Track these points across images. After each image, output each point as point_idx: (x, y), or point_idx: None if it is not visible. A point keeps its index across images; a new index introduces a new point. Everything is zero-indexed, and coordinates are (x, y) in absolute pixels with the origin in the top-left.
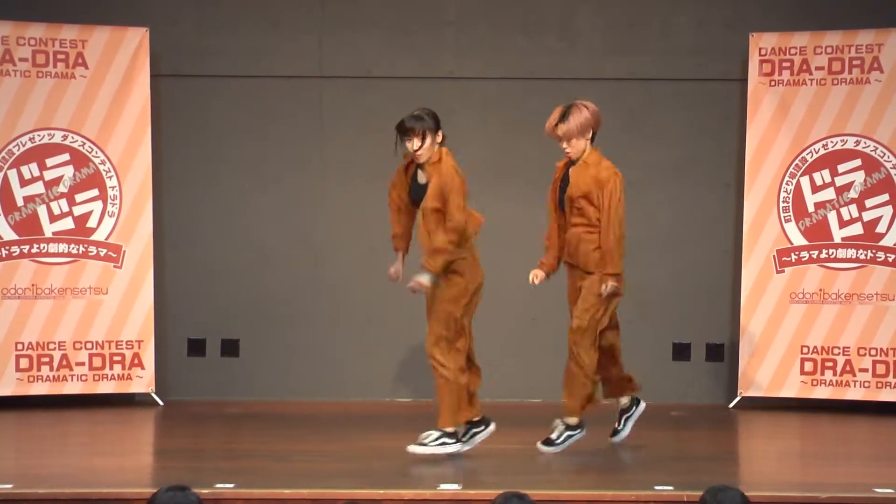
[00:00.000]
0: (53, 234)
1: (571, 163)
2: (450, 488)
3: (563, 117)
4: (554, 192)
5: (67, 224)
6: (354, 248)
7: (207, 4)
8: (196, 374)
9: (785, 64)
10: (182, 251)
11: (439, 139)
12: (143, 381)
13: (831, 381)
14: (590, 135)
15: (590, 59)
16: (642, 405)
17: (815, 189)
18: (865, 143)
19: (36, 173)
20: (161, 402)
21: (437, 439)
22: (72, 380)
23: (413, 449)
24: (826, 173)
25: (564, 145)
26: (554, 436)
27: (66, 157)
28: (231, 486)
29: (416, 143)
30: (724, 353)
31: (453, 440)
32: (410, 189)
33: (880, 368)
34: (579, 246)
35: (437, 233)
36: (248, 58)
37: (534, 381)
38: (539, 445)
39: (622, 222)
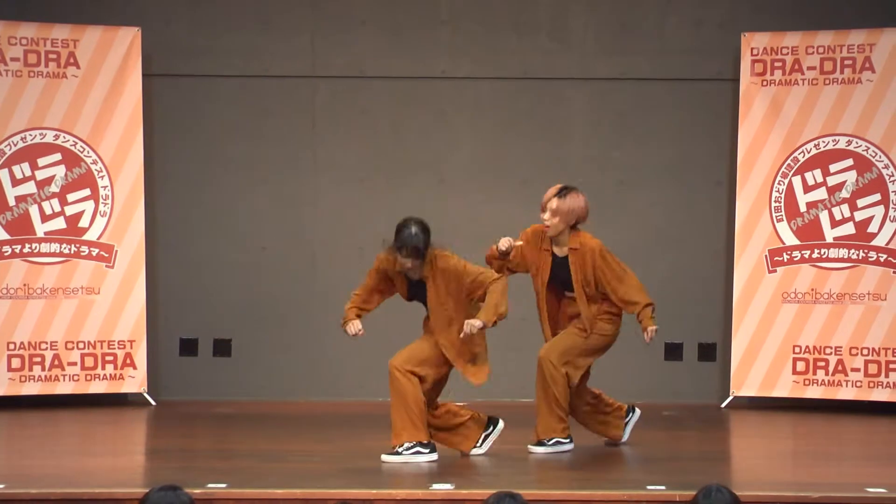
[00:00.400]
0: (45, 233)
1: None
2: (442, 488)
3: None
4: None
5: (59, 224)
6: (347, 248)
7: (199, 4)
8: (188, 373)
9: (777, 64)
10: (174, 251)
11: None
12: (135, 381)
13: (823, 380)
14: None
15: (582, 59)
16: (638, 412)
17: (807, 189)
18: (857, 142)
19: (28, 173)
20: (153, 402)
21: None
22: (64, 380)
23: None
24: (818, 173)
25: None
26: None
27: (57, 156)
28: (223, 485)
29: (415, 262)
30: (716, 353)
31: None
32: (409, 287)
33: (872, 368)
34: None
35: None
36: (241, 57)
37: (525, 380)
38: (529, 446)
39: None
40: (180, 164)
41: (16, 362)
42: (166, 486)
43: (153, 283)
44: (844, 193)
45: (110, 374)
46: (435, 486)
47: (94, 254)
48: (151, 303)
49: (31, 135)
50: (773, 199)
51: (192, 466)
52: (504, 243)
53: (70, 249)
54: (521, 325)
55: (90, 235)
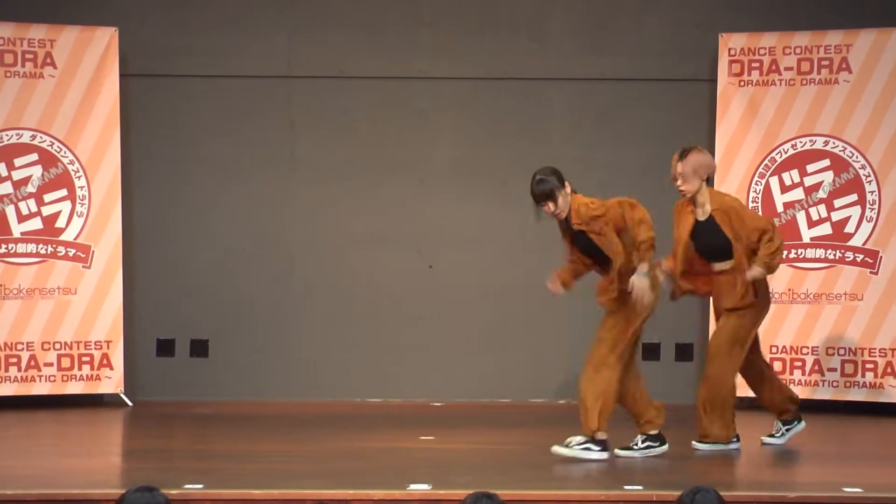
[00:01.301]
0: (22, 234)
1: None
2: (420, 488)
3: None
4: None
5: (36, 224)
6: (325, 248)
7: (177, 4)
8: (165, 374)
9: (754, 64)
10: (151, 251)
11: (568, 189)
12: (111, 382)
13: (800, 380)
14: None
15: (561, 60)
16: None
17: (784, 189)
18: (834, 143)
19: (4, 173)
20: (130, 403)
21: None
22: (40, 380)
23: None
24: (795, 173)
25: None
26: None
27: (34, 156)
28: (200, 486)
29: (551, 206)
30: (692, 353)
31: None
32: (574, 239)
33: (849, 368)
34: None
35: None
36: (218, 58)
37: (504, 381)
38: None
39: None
40: (158, 165)
41: None
42: (143, 487)
43: (130, 284)
44: (821, 194)
45: (87, 375)
46: (412, 486)
47: (70, 254)
48: (128, 303)
49: (7, 135)
50: (750, 199)
51: (168, 467)
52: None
53: (47, 250)
54: (499, 325)
55: (67, 236)
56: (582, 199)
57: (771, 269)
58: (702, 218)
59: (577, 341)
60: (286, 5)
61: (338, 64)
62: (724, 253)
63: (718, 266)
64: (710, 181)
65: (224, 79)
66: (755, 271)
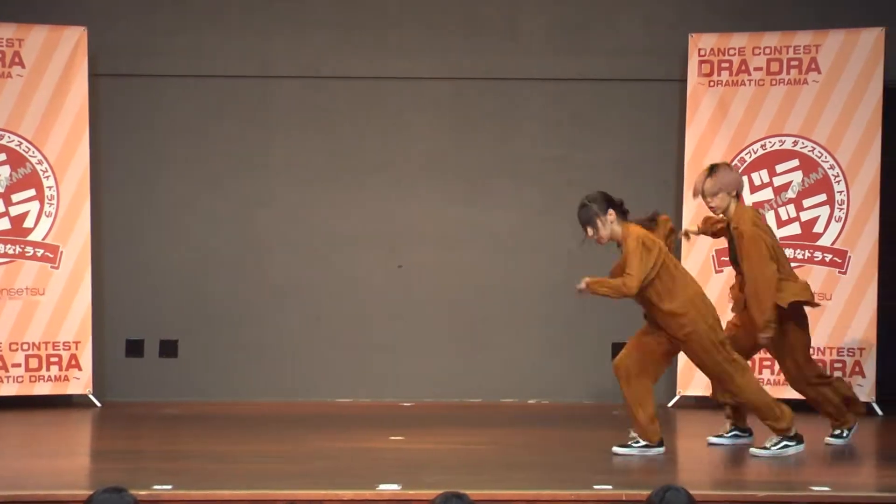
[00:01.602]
0: None
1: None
2: (389, 488)
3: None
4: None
5: (4, 224)
6: (298, 249)
7: (148, 3)
8: (134, 375)
9: (724, 64)
10: (121, 251)
11: (612, 217)
12: (80, 383)
13: (769, 379)
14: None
15: (536, 60)
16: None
17: (754, 189)
18: (803, 143)
19: None
20: (98, 404)
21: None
22: (8, 381)
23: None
24: (764, 173)
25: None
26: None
27: (2, 156)
28: (169, 487)
29: (590, 231)
30: None
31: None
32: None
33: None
34: None
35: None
36: (191, 57)
37: (475, 381)
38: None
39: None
40: (127, 165)
41: None
42: (111, 488)
43: (99, 284)
44: (790, 194)
45: (55, 376)
46: (382, 486)
47: (38, 254)
48: (97, 304)
49: None
50: None
51: (137, 468)
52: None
53: (15, 250)
54: (470, 326)
55: (35, 236)
56: (637, 233)
57: None
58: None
59: (547, 342)
60: (261, 5)
61: (313, 64)
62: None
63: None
64: (736, 196)
65: (197, 78)
66: None
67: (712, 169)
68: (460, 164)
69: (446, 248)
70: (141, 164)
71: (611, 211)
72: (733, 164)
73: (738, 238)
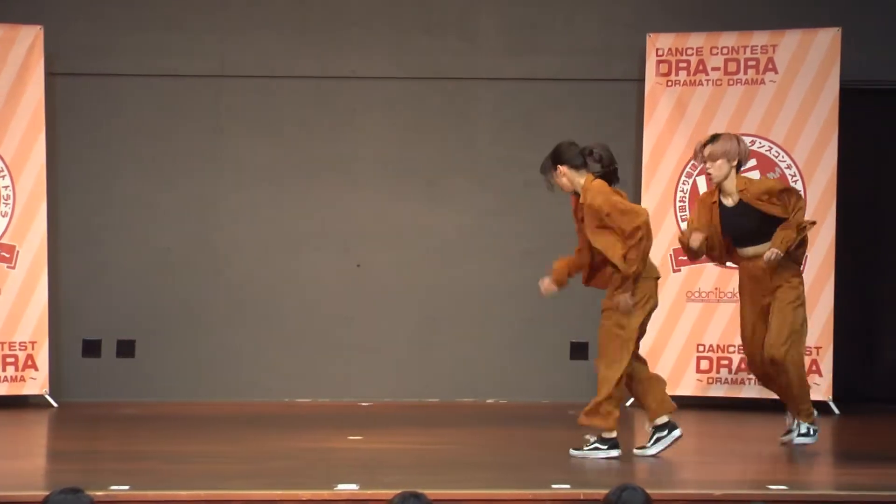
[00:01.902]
0: None
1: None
2: (347, 488)
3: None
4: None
5: None
6: (254, 249)
7: (104, 2)
8: (91, 375)
9: (682, 64)
10: (77, 251)
11: (564, 169)
12: (36, 383)
13: (727, 379)
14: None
15: (491, 59)
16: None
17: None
18: (760, 143)
19: None
20: (55, 404)
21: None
22: None
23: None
24: None
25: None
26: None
27: None
28: (126, 487)
29: (548, 180)
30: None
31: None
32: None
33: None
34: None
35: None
36: (147, 57)
37: (432, 381)
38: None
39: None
40: (84, 164)
41: None
42: (67, 489)
43: (55, 284)
44: None
45: (11, 376)
46: (340, 486)
47: None
48: (54, 304)
49: None
50: (677, 198)
51: (94, 469)
52: (696, 240)
53: None
54: (427, 325)
55: None
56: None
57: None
58: (730, 204)
59: (505, 341)
60: (216, 5)
61: (267, 64)
62: (754, 237)
63: (750, 251)
64: (738, 167)
65: (153, 78)
66: (771, 253)
67: (714, 137)
68: (414, 164)
69: (402, 248)
70: (97, 164)
71: (565, 163)
72: (690, 163)
73: (756, 198)
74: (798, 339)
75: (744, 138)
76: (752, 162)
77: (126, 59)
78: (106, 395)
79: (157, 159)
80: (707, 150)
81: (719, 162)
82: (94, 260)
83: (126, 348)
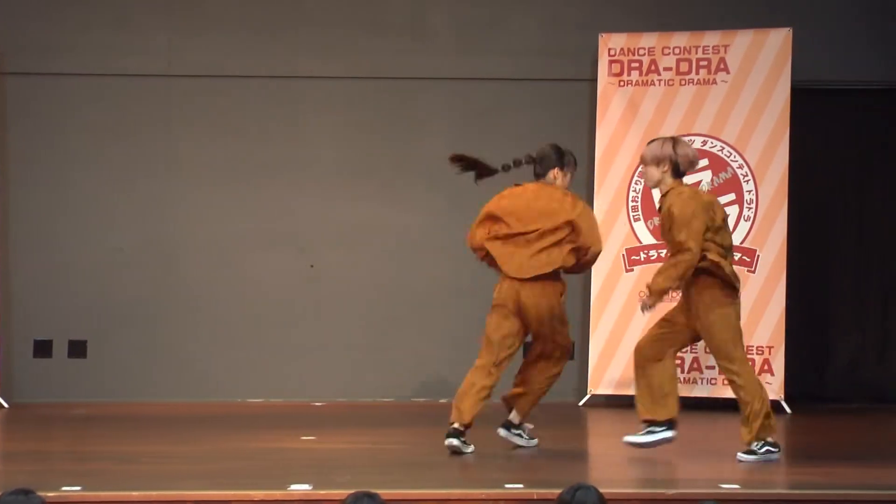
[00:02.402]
0: None
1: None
2: (300, 488)
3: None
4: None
5: None
6: (207, 249)
7: (56, 2)
8: (42, 375)
9: (634, 64)
10: (28, 252)
11: (556, 172)
12: None
13: (678, 378)
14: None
15: (442, 59)
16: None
17: None
18: (712, 143)
19: None
20: (6, 405)
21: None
22: None
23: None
24: None
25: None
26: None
27: None
28: (78, 488)
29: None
30: (573, 351)
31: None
32: None
33: None
34: None
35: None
36: (98, 56)
37: (386, 381)
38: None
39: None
40: (36, 164)
41: None
42: (18, 490)
43: (6, 284)
44: None
45: None
46: (293, 486)
47: None
48: (4, 304)
49: None
50: (630, 198)
51: (46, 469)
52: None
53: None
54: (381, 325)
55: None
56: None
57: (654, 289)
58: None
59: (458, 341)
60: (167, 4)
61: (218, 63)
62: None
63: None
64: (677, 174)
65: (104, 77)
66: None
67: (652, 141)
68: (366, 164)
69: (355, 249)
70: (49, 164)
71: (557, 167)
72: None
73: (666, 215)
74: None
75: (688, 142)
76: (704, 162)
77: (77, 59)
78: (57, 396)
79: (108, 159)
80: (645, 152)
81: (650, 168)
82: (45, 260)
83: (78, 348)
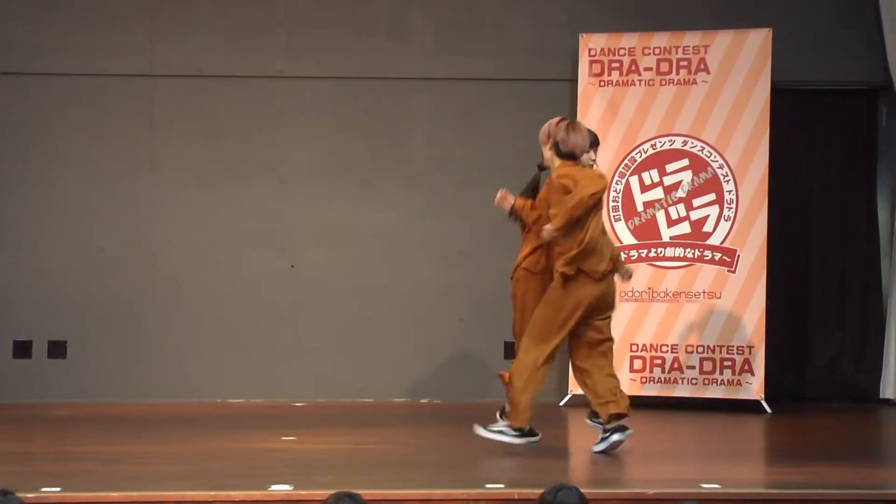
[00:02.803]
0: None
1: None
2: (281, 489)
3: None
4: None
5: None
6: (187, 249)
7: (37, 2)
8: (22, 376)
9: (614, 64)
10: (8, 251)
11: (551, 147)
12: None
13: (660, 378)
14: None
15: (423, 59)
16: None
17: (644, 188)
18: (693, 143)
19: None
20: None
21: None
22: None
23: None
24: (654, 173)
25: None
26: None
27: None
28: (57, 489)
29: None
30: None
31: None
32: None
33: (707, 365)
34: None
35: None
36: (80, 56)
37: (366, 381)
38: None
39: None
40: (16, 164)
41: None
42: None
43: None
44: (680, 193)
45: None
46: (274, 486)
47: None
48: None
49: None
50: (610, 198)
51: (25, 470)
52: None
53: None
54: (361, 325)
55: None
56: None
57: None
58: None
59: (438, 341)
60: (148, 4)
61: (197, 63)
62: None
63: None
64: (571, 157)
65: (85, 77)
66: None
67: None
68: (347, 164)
69: (336, 249)
70: (30, 163)
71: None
72: (623, 163)
73: (547, 188)
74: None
75: (582, 128)
76: (685, 162)
77: (59, 60)
78: (37, 397)
79: (89, 159)
80: (541, 133)
81: (544, 148)
82: (25, 260)
83: (58, 349)
